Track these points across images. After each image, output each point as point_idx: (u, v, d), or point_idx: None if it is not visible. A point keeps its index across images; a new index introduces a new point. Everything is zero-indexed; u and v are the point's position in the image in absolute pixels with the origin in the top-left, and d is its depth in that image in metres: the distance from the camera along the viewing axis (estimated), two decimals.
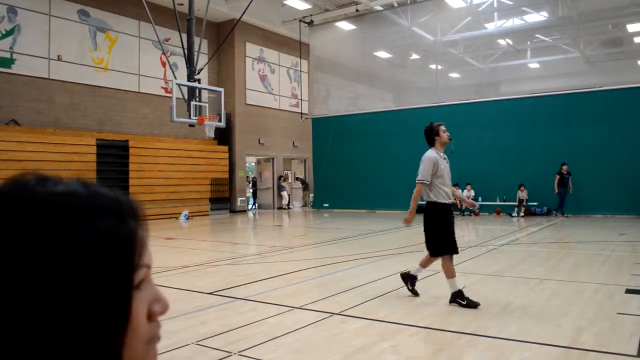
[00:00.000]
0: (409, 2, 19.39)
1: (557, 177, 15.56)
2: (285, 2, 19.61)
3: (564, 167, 15.51)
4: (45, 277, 0.45)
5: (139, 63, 17.76)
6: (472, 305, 4.82)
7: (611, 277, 6.30)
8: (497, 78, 20.13)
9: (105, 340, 0.48)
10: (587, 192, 15.58)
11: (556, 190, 15.54)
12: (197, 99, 14.27)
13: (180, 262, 7.86)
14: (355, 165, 20.22)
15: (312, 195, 22.99)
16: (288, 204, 22.90)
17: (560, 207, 15.72)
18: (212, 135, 15.06)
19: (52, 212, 0.47)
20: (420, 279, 6.23)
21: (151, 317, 0.53)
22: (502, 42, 19.58)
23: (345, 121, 20.73)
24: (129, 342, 0.50)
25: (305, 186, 24.24)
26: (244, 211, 20.95)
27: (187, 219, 17.13)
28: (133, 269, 0.51)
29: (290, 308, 4.93)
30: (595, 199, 15.39)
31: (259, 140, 21.76)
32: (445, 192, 5.15)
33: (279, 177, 22.72)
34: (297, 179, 24.56)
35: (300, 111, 22.46)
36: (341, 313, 4.69)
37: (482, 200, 17.44)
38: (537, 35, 19.08)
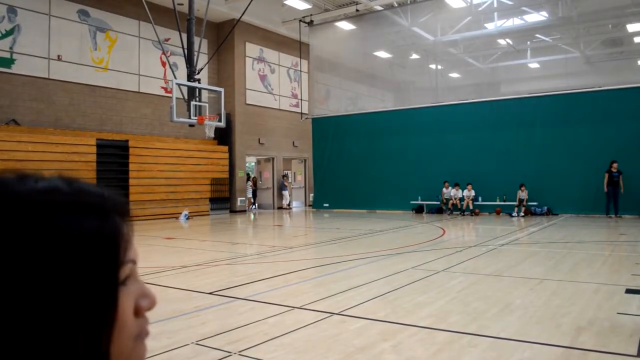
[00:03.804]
0: (409, 2, 19.39)
1: (606, 175, 14.81)
2: (285, 2, 19.60)
3: (614, 165, 14.74)
4: (29, 276, 0.45)
5: (139, 63, 17.76)
6: None
7: (611, 277, 6.29)
8: (497, 78, 20.15)
9: (92, 338, 0.48)
10: (587, 192, 15.58)
11: (605, 190, 14.85)
12: (197, 99, 14.27)
13: (180, 262, 7.86)
14: (355, 165, 20.23)
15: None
16: (289, 204, 22.90)
17: (607, 208, 14.91)
18: (212, 135, 15.06)
19: (34, 210, 0.47)
20: (421, 279, 6.23)
21: (138, 312, 0.53)
22: (502, 42, 19.58)
23: (345, 121, 20.73)
24: (117, 338, 0.50)
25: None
26: (244, 211, 20.96)
27: (187, 218, 17.12)
28: (118, 265, 0.51)
29: (290, 308, 4.92)
30: (595, 199, 15.38)
31: (259, 140, 21.76)
32: None
33: (283, 176, 22.72)
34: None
35: (300, 111, 22.46)
36: (341, 313, 4.69)
37: (482, 200, 17.46)
38: (537, 35, 19.09)
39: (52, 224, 0.47)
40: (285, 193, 22.67)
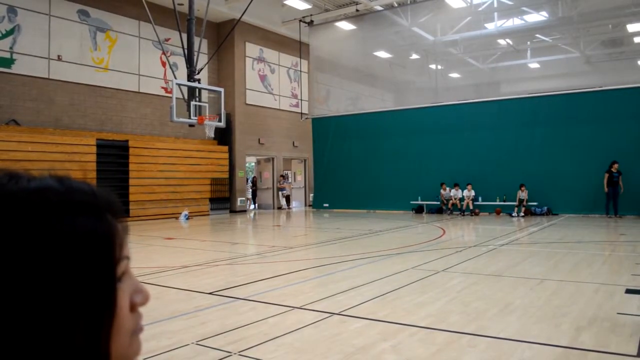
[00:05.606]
0: (409, 2, 19.39)
1: (606, 175, 14.84)
2: (285, 2, 19.60)
3: (615, 166, 14.77)
4: (27, 277, 0.45)
5: (139, 63, 17.76)
6: None
7: (611, 277, 6.29)
8: (497, 78, 20.14)
9: (92, 336, 0.48)
10: (587, 192, 15.58)
11: (605, 190, 14.88)
12: (197, 99, 14.27)
13: (180, 262, 7.86)
14: (355, 165, 20.23)
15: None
16: (288, 206, 22.89)
17: (607, 208, 14.94)
18: (212, 135, 15.05)
19: (27, 210, 0.46)
20: (421, 279, 6.23)
21: (133, 308, 0.54)
22: (502, 42, 19.58)
23: (345, 121, 20.73)
24: (115, 334, 0.50)
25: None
26: (244, 211, 20.95)
27: (187, 219, 17.12)
28: (115, 262, 0.51)
29: (290, 308, 4.92)
30: (595, 199, 15.38)
31: (259, 140, 21.76)
32: None
33: (281, 176, 22.70)
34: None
35: (300, 111, 22.47)
36: (341, 313, 4.69)
37: (482, 200, 17.46)
38: (537, 35, 19.09)
39: (46, 224, 0.46)
40: (282, 194, 22.62)
